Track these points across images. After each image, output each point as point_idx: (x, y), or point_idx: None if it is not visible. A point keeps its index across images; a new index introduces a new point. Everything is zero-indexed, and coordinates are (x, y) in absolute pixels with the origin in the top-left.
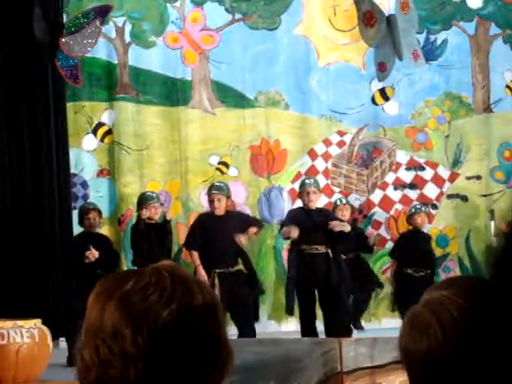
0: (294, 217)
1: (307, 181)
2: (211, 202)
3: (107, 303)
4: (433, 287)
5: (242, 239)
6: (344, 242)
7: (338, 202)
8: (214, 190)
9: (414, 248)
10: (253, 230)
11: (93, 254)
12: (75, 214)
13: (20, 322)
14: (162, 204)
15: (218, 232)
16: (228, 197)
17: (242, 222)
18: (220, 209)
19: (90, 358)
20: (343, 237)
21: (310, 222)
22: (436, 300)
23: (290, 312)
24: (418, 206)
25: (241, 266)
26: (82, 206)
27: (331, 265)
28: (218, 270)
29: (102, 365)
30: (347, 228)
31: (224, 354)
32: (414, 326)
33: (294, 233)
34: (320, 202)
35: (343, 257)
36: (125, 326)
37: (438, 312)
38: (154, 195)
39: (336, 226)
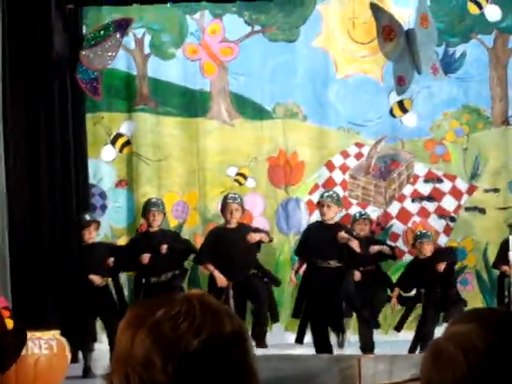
0: (310, 231)
1: (325, 193)
2: (229, 211)
3: (138, 331)
4: (456, 320)
5: (253, 236)
6: (354, 258)
7: (358, 216)
8: (230, 199)
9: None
10: (263, 236)
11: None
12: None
13: (38, 334)
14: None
15: (230, 244)
16: (242, 207)
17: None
18: (236, 218)
19: None
20: (353, 253)
21: (324, 236)
22: (461, 333)
23: (296, 315)
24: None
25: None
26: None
27: (341, 280)
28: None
29: None
30: (355, 244)
31: (252, 383)
32: (438, 359)
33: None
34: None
35: (361, 269)
36: (155, 354)
37: (464, 344)
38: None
39: (343, 238)
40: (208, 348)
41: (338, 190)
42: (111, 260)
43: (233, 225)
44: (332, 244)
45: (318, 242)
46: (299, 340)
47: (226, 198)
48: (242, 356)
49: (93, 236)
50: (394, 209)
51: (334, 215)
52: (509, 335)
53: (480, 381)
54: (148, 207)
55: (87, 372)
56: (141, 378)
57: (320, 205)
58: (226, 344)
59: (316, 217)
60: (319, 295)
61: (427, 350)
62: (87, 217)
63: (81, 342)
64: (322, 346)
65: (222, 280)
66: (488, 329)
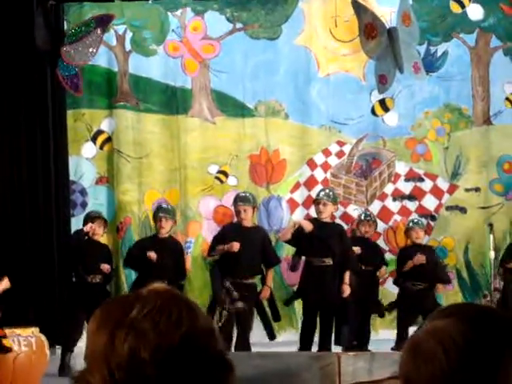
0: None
1: (321, 192)
2: (237, 212)
3: (117, 330)
4: (435, 315)
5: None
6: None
7: (363, 217)
8: (239, 201)
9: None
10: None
11: (105, 267)
12: (73, 222)
13: (17, 331)
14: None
15: (241, 241)
16: (254, 207)
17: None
18: (247, 220)
19: (101, 383)
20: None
21: (320, 234)
22: (440, 328)
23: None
24: (416, 221)
25: (255, 280)
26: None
27: (338, 279)
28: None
29: None
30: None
31: (229, 370)
32: (417, 354)
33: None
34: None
35: (362, 267)
36: (143, 350)
37: (443, 340)
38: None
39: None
40: (189, 340)
41: (319, 188)
42: (106, 266)
43: (247, 224)
44: (327, 242)
45: (312, 239)
46: (307, 345)
47: (235, 200)
48: (216, 346)
49: (97, 232)
50: (375, 207)
51: (330, 213)
52: (487, 330)
53: (459, 376)
54: (157, 213)
55: (64, 370)
56: (128, 372)
57: (316, 203)
58: (202, 335)
59: (298, 214)
60: (316, 293)
61: (406, 345)
62: (95, 213)
63: (65, 341)
64: (308, 343)
65: (235, 245)
66: (466, 323)
